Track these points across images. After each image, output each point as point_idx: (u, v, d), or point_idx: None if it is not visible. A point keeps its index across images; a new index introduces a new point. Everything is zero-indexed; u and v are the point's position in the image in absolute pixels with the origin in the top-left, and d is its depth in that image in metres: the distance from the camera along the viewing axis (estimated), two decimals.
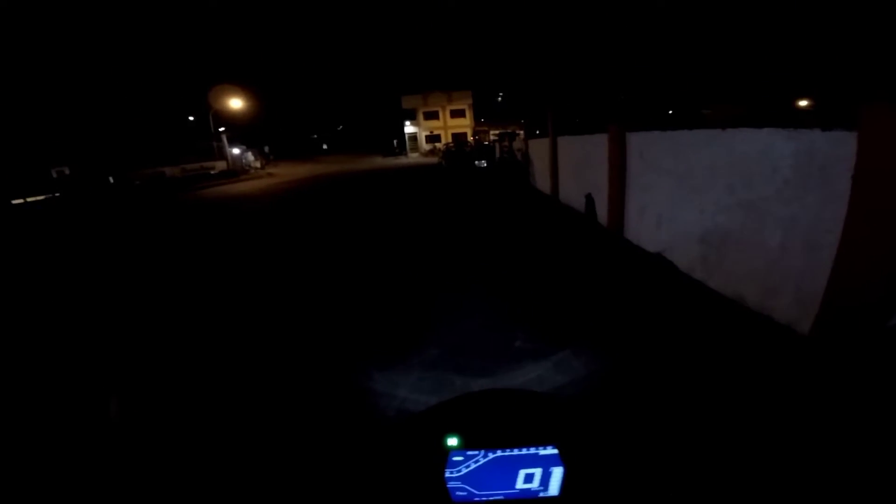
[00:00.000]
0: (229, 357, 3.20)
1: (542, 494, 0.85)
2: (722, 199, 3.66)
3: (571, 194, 8.33)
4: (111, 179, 23.99)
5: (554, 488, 0.84)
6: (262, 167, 34.69)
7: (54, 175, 23.91)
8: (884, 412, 2.00)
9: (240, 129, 35.94)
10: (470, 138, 37.70)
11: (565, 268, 4.93)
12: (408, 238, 6.95)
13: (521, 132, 14.05)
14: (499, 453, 0.84)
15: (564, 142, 8.80)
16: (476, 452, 0.85)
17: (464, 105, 45.84)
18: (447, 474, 0.84)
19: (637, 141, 5.30)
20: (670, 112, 24.21)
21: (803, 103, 24.57)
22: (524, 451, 0.84)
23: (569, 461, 0.83)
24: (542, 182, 10.63)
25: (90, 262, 6.91)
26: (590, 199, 7.05)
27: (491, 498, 0.85)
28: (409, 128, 45.86)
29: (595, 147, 6.52)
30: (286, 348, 3.30)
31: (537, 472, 0.84)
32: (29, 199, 19.26)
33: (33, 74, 29.73)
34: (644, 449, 0.99)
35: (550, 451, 0.84)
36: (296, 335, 3.53)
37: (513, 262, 5.24)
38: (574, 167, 8.10)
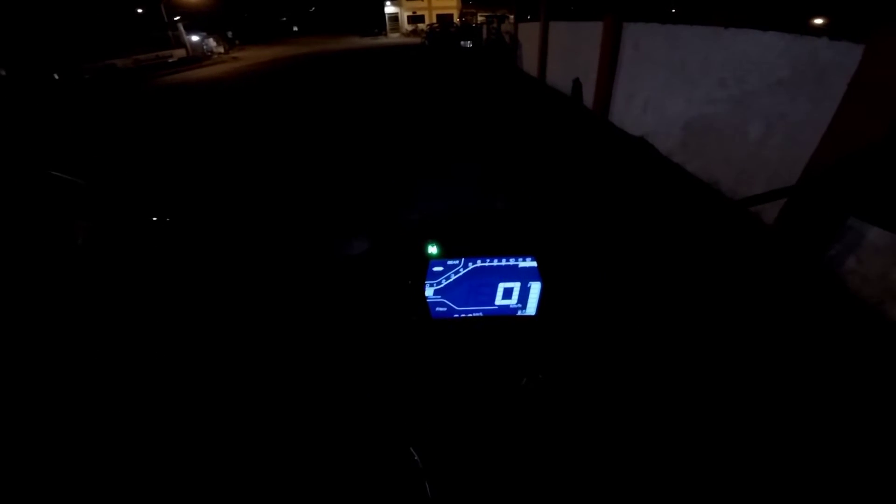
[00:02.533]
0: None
1: (520, 313, 0.81)
2: (712, 92, 3.61)
3: (559, 78, 8.04)
4: (56, 76, 21.78)
5: (532, 306, 0.80)
6: (226, 52, 31.60)
7: None
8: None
9: (198, 15, 31.85)
10: (456, 20, 34.37)
11: (548, 144, 4.97)
12: (384, 117, 6.65)
13: (511, 16, 12.65)
14: (478, 263, 0.79)
15: (556, 27, 8.16)
16: (456, 261, 0.79)
17: None
18: (426, 286, 0.79)
19: (634, 31, 4.99)
20: (673, 11, 21.85)
21: (819, 21, 22.52)
22: (503, 262, 0.79)
23: (546, 275, 0.78)
24: (530, 65, 10.10)
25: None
26: (577, 83, 6.72)
27: (470, 314, 0.82)
28: (389, 7, 41.17)
29: (588, 34, 6.14)
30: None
31: (516, 286, 0.79)
32: None
33: None
34: (620, 276, 0.94)
35: (529, 262, 0.79)
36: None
37: (496, 137, 5.24)
38: (564, 52, 7.66)
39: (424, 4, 41.17)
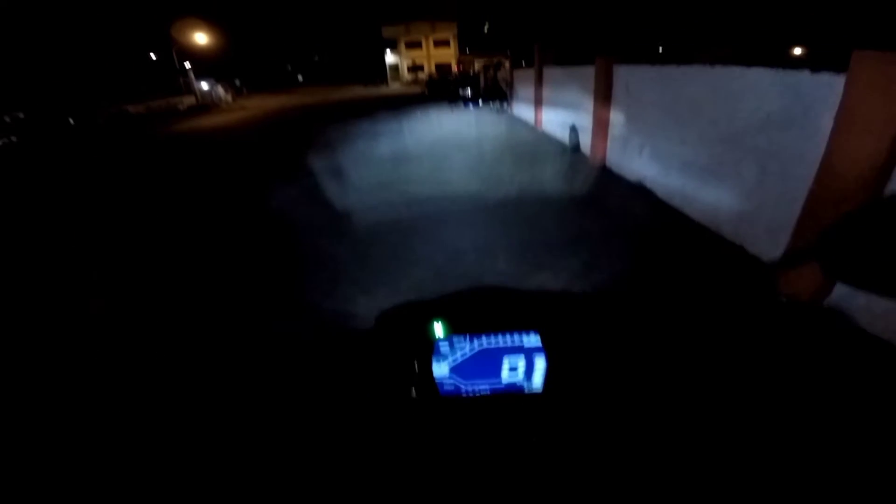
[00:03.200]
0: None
1: (526, 390, 0.85)
2: (705, 132, 3.68)
3: (555, 124, 8.24)
4: (71, 121, 22.55)
5: (538, 381, 0.85)
6: (234, 100, 32.82)
7: (7, 120, 22.30)
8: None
9: (208, 63, 33.39)
10: (454, 68, 35.96)
11: (547, 192, 4.97)
12: (387, 160, 6.79)
13: (507, 62, 13.35)
14: (483, 341, 0.84)
15: (550, 72, 8.51)
16: (462, 340, 0.84)
17: (448, 35, 43.17)
18: (434, 365, 0.84)
19: (624, 73, 5.16)
20: (660, 50, 23.11)
21: (798, 51, 23.98)
22: (508, 338, 0.84)
23: (551, 350, 0.83)
24: (527, 112, 10.41)
25: (64, 201, 6.65)
26: (573, 129, 6.98)
27: (477, 392, 0.86)
28: (389, 57, 43.37)
29: (581, 78, 6.36)
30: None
31: (521, 361, 0.83)
32: None
33: None
34: (627, 348, 0.97)
35: (533, 338, 0.84)
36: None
37: (495, 184, 5.29)
38: (559, 97, 7.92)
39: (423, 54, 43.42)
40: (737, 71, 3.26)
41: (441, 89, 18.89)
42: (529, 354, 0.84)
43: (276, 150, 9.51)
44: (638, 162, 5.00)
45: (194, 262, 3.89)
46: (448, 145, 8.17)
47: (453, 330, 0.86)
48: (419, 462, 0.85)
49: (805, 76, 2.63)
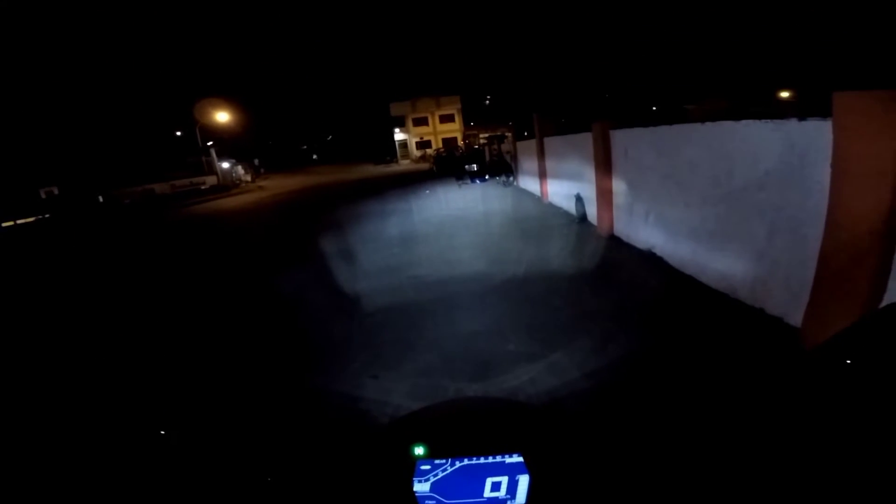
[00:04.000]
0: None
1: (510, 503, 0.86)
2: (707, 193, 3.65)
3: (560, 195, 8.35)
4: (100, 199, 23.84)
5: (521, 496, 0.85)
6: (253, 180, 34.69)
7: (43, 196, 23.74)
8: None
9: (228, 142, 35.95)
10: (460, 142, 37.88)
11: (556, 267, 4.90)
12: (396, 241, 6.94)
13: (510, 134, 14.11)
14: (465, 462, 0.86)
15: (551, 142, 8.83)
16: (443, 461, 0.86)
17: (452, 110, 46.07)
18: (415, 484, 0.85)
19: (621, 138, 5.30)
20: (654, 108, 24.45)
21: (785, 94, 25.01)
22: (490, 460, 0.85)
23: (534, 469, 0.84)
24: (532, 184, 10.69)
25: (86, 283, 6.82)
26: (579, 199, 7.10)
27: None
28: (398, 135, 45.99)
29: (581, 145, 6.53)
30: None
31: (504, 480, 0.85)
32: (19, 222, 19.06)
33: (17, 95, 29.51)
34: (615, 457, 0.98)
35: (516, 458, 0.85)
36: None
37: (503, 263, 5.23)
38: (562, 167, 8.11)
39: (430, 130, 46.09)
40: (728, 126, 3.29)
41: (448, 165, 19.77)
42: (512, 473, 0.85)
43: (292, 232, 9.92)
44: (645, 229, 4.97)
45: (202, 341, 3.88)
46: (456, 223, 8.33)
47: (433, 452, 0.88)
48: None
49: (793, 125, 2.62)
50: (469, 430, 0.98)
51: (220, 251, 8.62)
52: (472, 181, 15.06)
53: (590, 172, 6.22)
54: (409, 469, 0.86)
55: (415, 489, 0.85)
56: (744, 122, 3.11)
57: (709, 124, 3.54)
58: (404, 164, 40.08)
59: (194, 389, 2.98)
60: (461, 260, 5.66)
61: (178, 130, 34.72)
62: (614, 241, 5.72)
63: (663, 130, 4.35)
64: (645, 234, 4.99)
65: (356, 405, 2.59)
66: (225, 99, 33.76)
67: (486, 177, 14.89)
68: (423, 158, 39.27)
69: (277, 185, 28.92)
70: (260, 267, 6.77)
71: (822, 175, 2.36)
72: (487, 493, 0.86)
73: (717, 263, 3.65)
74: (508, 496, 0.86)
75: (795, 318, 2.77)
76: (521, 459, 0.85)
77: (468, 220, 8.45)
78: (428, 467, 0.86)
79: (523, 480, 0.85)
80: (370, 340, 3.51)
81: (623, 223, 5.62)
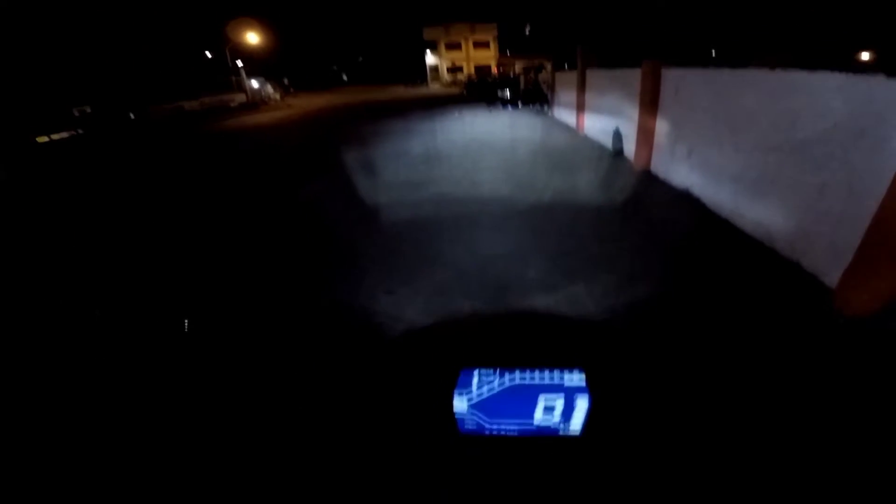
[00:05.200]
0: None
1: (562, 432, 0.73)
2: (761, 140, 3.45)
3: (597, 128, 8.02)
4: (132, 115, 24.10)
5: (576, 424, 0.73)
6: (282, 99, 34.07)
7: (76, 114, 24.09)
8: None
9: (258, 61, 34.89)
10: (494, 70, 35.79)
11: (586, 198, 4.81)
12: (422, 160, 6.83)
13: (549, 65, 13.09)
14: (517, 376, 0.72)
15: (594, 75, 8.28)
16: (490, 374, 0.72)
17: (488, 37, 43.08)
18: (456, 398, 0.72)
19: (674, 77, 4.95)
20: (713, 54, 21.87)
21: (865, 56, 22.21)
22: (546, 375, 0.72)
23: (596, 391, 0.71)
24: (568, 115, 10.22)
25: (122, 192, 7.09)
26: (617, 134, 6.75)
27: (503, 432, 0.74)
28: (430, 58, 43.74)
29: (627, 81, 6.17)
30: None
31: (559, 402, 0.72)
32: (53, 137, 19.52)
33: (50, 16, 29.01)
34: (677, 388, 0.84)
35: (577, 376, 0.72)
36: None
37: (529, 188, 5.17)
38: (602, 101, 7.71)
39: (463, 55, 43.48)
40: (800, 76, 3.03)
41: (480, 90, 18.83)
42: (570, 394, 0.72)
43: (317, 146, 9.76)
44: (684, 169, 4.78)
45: (223, 249, 4.03)
46: (483, 147, 8.11)
47: (482, 361, 0.75)
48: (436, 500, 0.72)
49: (879, 82, 2.39)
50: (522, 340, 0.83)
51: (245, 163, 8.67)
52: (504, 107, 14.36)
53: (632, 109, 5.94)
54: (449, 380, 0.72)
55: (455, 405, 0.72)
56: (819, 72, 2.83)
57: (779, 72, 3.24)
58: (434, 88, 38.43)
59: (211, 295, 3.13)
60: (486, 181, 5.61)
61: (207, 50, 33.72)
62: (650, 178, 5.57)
63: (724, 73, 4.02)
64: (684, 173, 4.82)
65: (370, 319, 2.63)
66: (255, 19, 32.28)
67: (520, 104, 14.14)
68: (453, 83, 37.70)
69: (306, 103, 28.40)
70: (283, 178, 6.90)
71: None
72: (539, 417, 0.73)
73: (758, 210, 3.51)
74: (562, 421, 0.73)
75: (832, 278, 2.69)
76: (582, 378, 0.72)
77: (497, 145, 8.24)
78: (473, 380, 0.72)
79: (581, 404, 0.72)
80: (388, 255, 3.57)
81: (661, 161, 5.43)
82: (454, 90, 30.18)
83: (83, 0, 30.96)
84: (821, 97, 2.81)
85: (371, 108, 19.35)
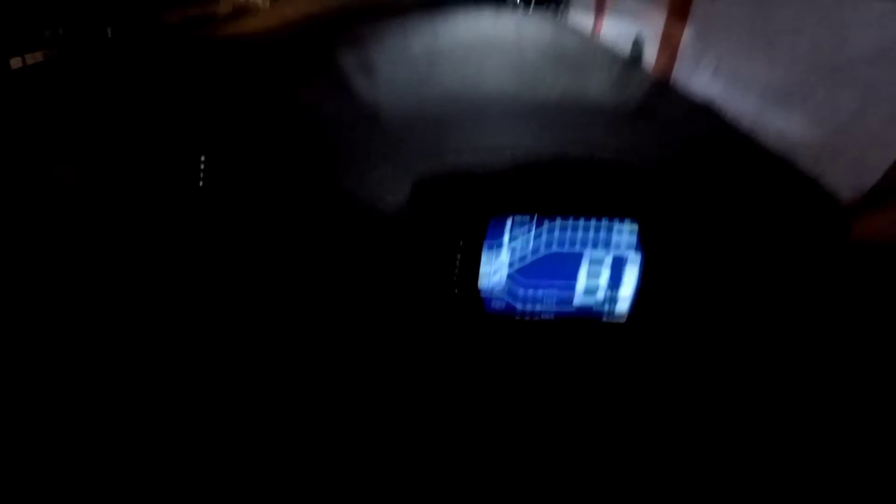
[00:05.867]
0: None
1: (605, 317, 0.57)
2: (801, 57, 3.32)
3: (616, 33, 7.43)
4: (109, 32, 22.23)
5: (623, 301, 0.55)
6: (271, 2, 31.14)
7: (47, 34, 22.08)
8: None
9: None
10: None
11: (597, 101, 4.55)
12: (422, 60, 6.17)
13: None
14: (556, 234, 0.53)
15: None
16: (525, 224, 0.54)
17: None
18: (485, 258, 0.53)
19: None
20: None
21: None
22: (591, 227, 0.53)
23: (650, 247, 0.54)
24: (585, 19, 9.46)
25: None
26: (636, 41, 6.25)
27: (538, 314, 0.57)
28: None
29: None
30: None
31: (607, 260, 0.53)
32: (28, 61, 18.08)
33: None
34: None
35: (629, 227, 0.54)
36: None
37: (539, 88, 4.85)
38: (625, 3, 7.19)
39: None
40: None
41: None
42: (619, 256, 0.54)
43: (315, 47, 8.94)
44: (710, 81, 4.59)
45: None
46: (490, 49, 7.50)
47: (515, 207, 0.53)
48: (453, 396, 0.57)
49: None
50: (565, 180, 0.61)
51: (236, 72, 7.99)
52: (514, 5, 13.08)
53: (660, 13, 5.54)
54: (479, 234, 0.51)
55: (482, 272, 0.52)
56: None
57: None
58: None
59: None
60: (491, 82, 5.30)
61: None
62: (669, 88, 5.26)
63: None
64: (708, 84, 4.63)
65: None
66: None
67: (532, 4, 12.85)
68: None
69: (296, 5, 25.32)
70: (277, 82, 6.37)
71: None
72: (582, 284, 0.54)
73: (786, 124, 3.46)
74: (608, 295, 0.55)
75: (852, 198, 2.73)
76: (634, 233, 0.53)
77: (504, 47, 7.61)
78: (505, 233, 0.52)
79: (632, 265, 0.53)
80: (393, 144, 3.38)
81: (684, 71, 5.17)
82: None
83: None
84: (876, 20, 2.68)
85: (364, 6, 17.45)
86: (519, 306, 0.56)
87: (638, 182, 0.66)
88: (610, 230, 0.53)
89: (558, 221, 0.53)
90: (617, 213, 0.53)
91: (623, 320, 0.59)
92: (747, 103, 3.92)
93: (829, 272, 2.09)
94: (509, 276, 0.52)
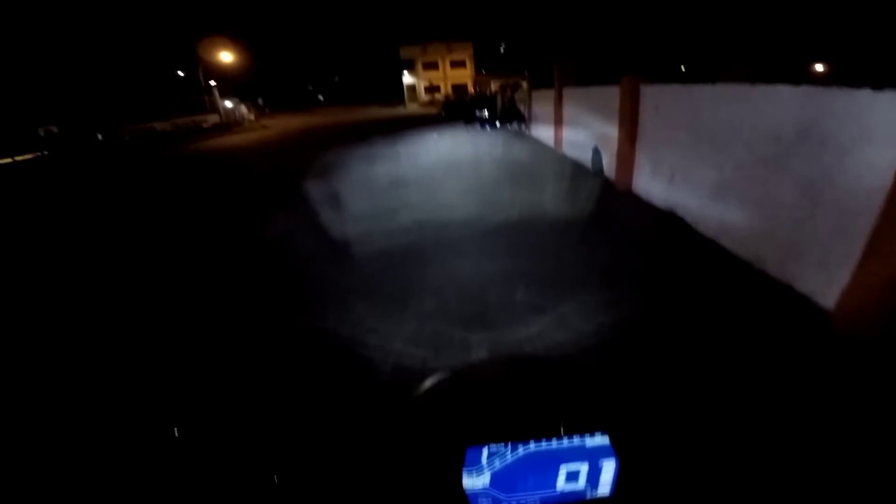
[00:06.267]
0: None
1: (589, 495, 0.67)
2: (743, 156, 3.43)
3: (576, 146, 8.05)
4: (99, 136, 23.40)
5: (605, 486, 0.67)
6: (257, 120, 33.66)
7: (42, 134, 23.33)
8: None
9: (232, 81, 34.54)
10: (470, 89, 36.30)
11: (567, 219, 4.72)
12: (402, 183, 6.67)
13: (525, 83, 13.29)
14: (532, 447, 0.65)
15: (571, 93, 8.35)
16: (502, 448, 0.66)
17: (464, 56, 43.96)
18: (465, 477, 0.65)
19: (653, 93, 4.96)
20: (682, 69, 22.62)
21: (819, 68, 23.61)
22: (565, 444, 0.65)
23: (623, 452, 0.66)
24: (546, 133, 10.29)
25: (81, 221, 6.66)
26: (596, 152, 6.76)
27: (524, 503, 0.67)
28: (407, 78, 44.16)
29: (605, 98, 6.17)
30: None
31: (583, 468, 0.65)
32: (17, 158, 18.85)
33: (16, 33, 28.28)
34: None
35: (599, 440, 0.66)
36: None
37: (511, 210, 5.06)
38: (580, 119, 7.74)
39: (440, 75, 44.15)
40: (781, 90, 3.02)
41: (457, 110, 18.98)
42: (594, 459, 0.65)
43: (293, 170, 9.36)
44: (668, 188, 4.74)
45: (193, 292, 3.70)
46: (463, 167, 8.05)
47: (487, 434, 0.67)
48: None
49: (866, 96, 2.38)
50: (532, 402, 0.74)
51: (215, 190, 8.27)
52: (482, 127, 14.44)
53: (612, 126, 5.93)
54: (457, 459, 0.64)
55: (465, 484, 0.64)
56: (803, 87, 2.82)
57: (761, 87, 3.24)
58: (412, 108, 38.67)
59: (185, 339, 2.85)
60: (468, 203, 5.50)
61: (179, 70, 33.20)
62: (633, 198, 5.49)
63: (703, 89, 4.02)
64: (667, 193, 4.78)
65: (357, 353, 2.49)
66: (228, 37, 32.06)
67: (497, 123, 14.25)
68: (431, 103, 37.94)
69: (281, 124, 28.03)
70: (256, 207, 6.52)
71: (889, 154, 2.19)
72: (561, 485, 0.66)
73: (746, 231, 3.46)
74: (589, 485, 0.67)
75: (827, 299, 2.62)
76: (606, 441, 0.66)
77: (477, 165, 8.17)
78: (481, 456, 0.65)
79: (608, 466, 0.65)
80: (371, 283, 3.45)
81: (644, 180, 5.39)
82: (432, 110, 30.26)
83: (52, 17, 30.29)
84: (807, 110, 2.79)
85: (347, 129, 19.22)
86: (504, 501, 0.65)
87: (606, 392, 0.81)
88: (582, 442, 0.66)
89: (532, 445, 0.65)
90: (586, 428, 0.67)
91: (609, 495, 0.66)
92: (707, 208, 3.98)
93: (812, 375, 2.06)
94: (492, 482, 0.65)
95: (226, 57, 31.94)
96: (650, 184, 5.20)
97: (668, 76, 5.24)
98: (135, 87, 31.78)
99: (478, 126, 14.60)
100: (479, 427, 0.66)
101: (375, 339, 2.59)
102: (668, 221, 4.51)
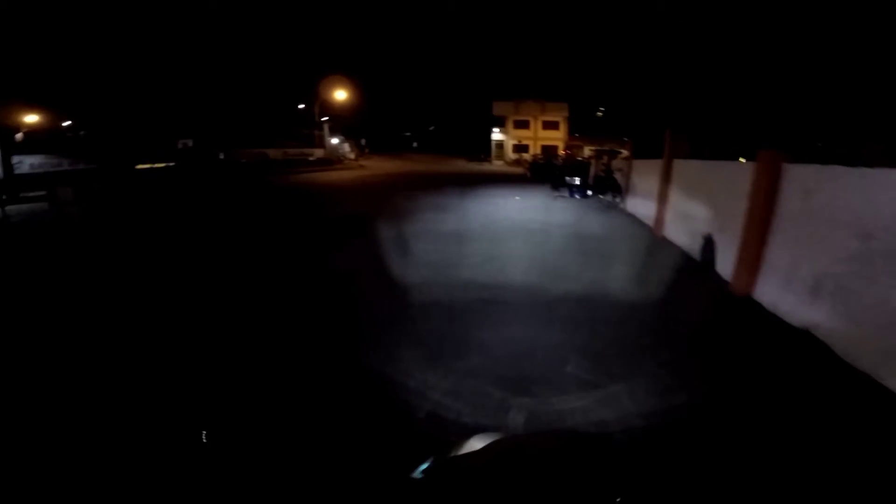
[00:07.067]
0: None
1: None
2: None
3: (681, 230, 7.08)
4: (221, 156, 26.99)
5: None
6: (356, 158, 36.36)
7: (179, 146, 27.59)
8: None
9: (340, 119, 37.95)
10: (561, 151, 35.83)
11: (664, 325, 3.91)
12: (477, 256, 6.25)
13: (625, 150, 12.64)
14: None
15: (683, 166, 7.51)
16: None
17: (558, 117, 44.03)
18: None
19: (802, 175, 4.09)
20: (819, 144, 19.90)
21: None
22: None
23: None
24: (645, 210, 9.37)
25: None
26: (708, 241, 5.88)
27: None
28: (496, 135, 45.14)
29: (731, 176, 5.36)
30: None
31: None
32: (157, 165, 22.28)
33: (166, 61, 34.88)
34: None
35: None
36: None
37: (604, 302, 4.38)
38: (692, 197, 6.83)
39: (530, 134, 44.46)
40: None
41: (546, 172, 18.64)
42: None
43: (382, 212, 9.85)
44: (811, 301, 3.71)
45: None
46: (547, 240, 7.45)
47: None
48: None
49: None
50: (546, 478, 0.75)
51: (306, 219, 9.12)
52: (571, 194, 13.82)
53: (736, 212, 4.97)
54: None
55: None
56: None
57: None
58: (497, 165, 39.36)
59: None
60: (550, 288, 4.80)
61: (301, 103, 37.58)
62: (753, 308, 4.37)
63: (885, 175, 3.18)
64: (808, 308, 3.74)
65: (394, 395, 2.54)
66: (347, 78, 35.74)
67: (589, 192, 13.59)
68: (517, 162, 37.99)
69: (377, 165, 30.07)
70: (339, 239, 7.02)
71: None
72: None
73: None
74: None
75: None
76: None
77: (563, 241, 7.48)
78: None
79: None
80: (433, 338, 3.44)
81: (772, 286, 4.34)
82: (517, 170, 30.21)
83: (199, 49, 36.58)
84: None
85: (437, 178, 20.16)
86: None
87: (618, 461, 0.84)
88: None
89: None
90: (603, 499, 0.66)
91: None
92: (866, 333, 3.07)
93: None
94: None
95: (340, 95, 35.29)
96: (782, 292, 4.16)
97: (808, 154, 4.38)
98: (260, 114, 36.59)
99: (566, 193, 14.02)
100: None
101: (415, 384, 2.65)
102: (804, 346, 3.52)
